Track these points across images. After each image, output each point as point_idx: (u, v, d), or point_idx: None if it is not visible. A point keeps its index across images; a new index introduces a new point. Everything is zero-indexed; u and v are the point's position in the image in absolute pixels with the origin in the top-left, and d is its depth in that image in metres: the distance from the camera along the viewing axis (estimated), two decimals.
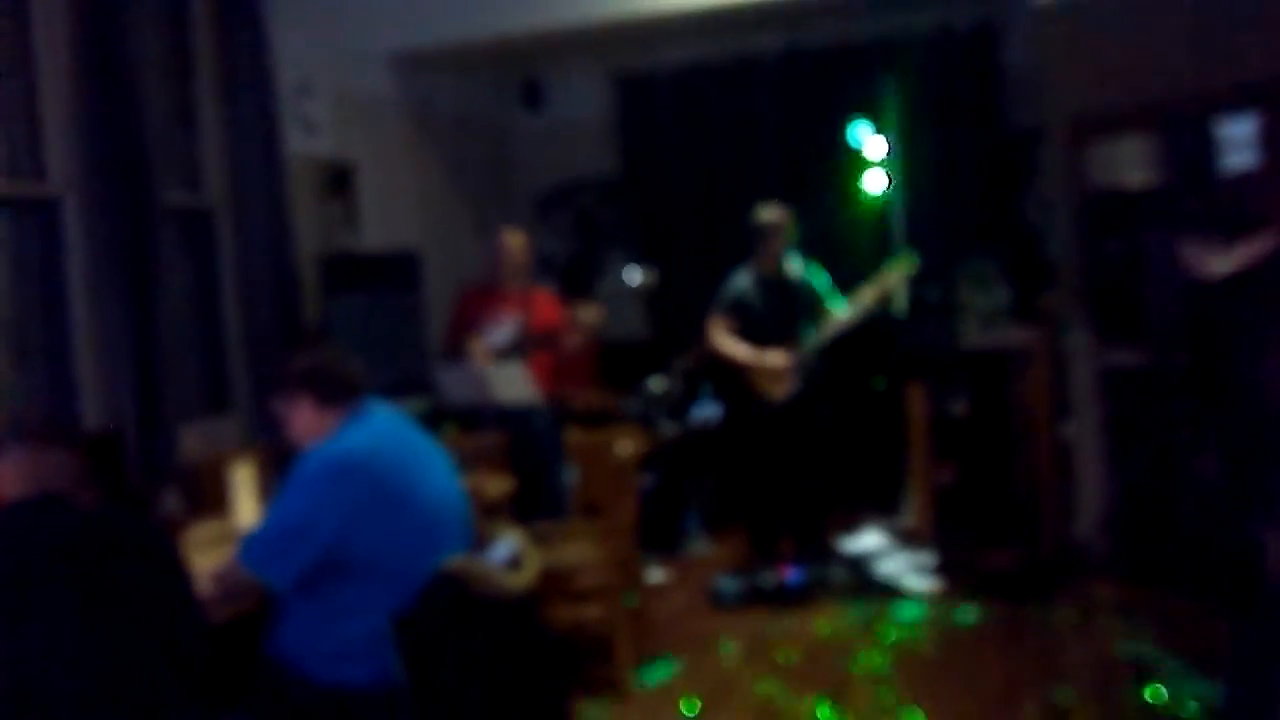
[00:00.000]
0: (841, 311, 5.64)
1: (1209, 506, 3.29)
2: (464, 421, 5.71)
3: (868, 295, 5.62)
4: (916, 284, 6.22)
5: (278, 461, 4.50)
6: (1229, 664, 3.41)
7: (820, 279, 5.80)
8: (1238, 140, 5.54)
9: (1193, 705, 3.88)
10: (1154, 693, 4.01)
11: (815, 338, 5.61)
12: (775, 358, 5.59)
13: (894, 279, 5.69)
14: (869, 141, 6.89)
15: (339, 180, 6.46)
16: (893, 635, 4.90)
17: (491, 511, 4.53)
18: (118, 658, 2.28)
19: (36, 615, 2.24)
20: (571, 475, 5.38)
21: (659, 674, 4.58)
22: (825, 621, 5.14)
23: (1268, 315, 2.88)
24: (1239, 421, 3.07)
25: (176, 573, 2.50)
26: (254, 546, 2.82)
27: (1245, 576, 2.89)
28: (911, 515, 6.46)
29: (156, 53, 5.22)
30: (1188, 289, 3.50)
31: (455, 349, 5.77)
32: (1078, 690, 4.15)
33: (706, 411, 6.96)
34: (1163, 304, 3.77)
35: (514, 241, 5.99)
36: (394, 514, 2.79)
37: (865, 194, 7.05)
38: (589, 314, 6.42)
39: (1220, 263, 3.42)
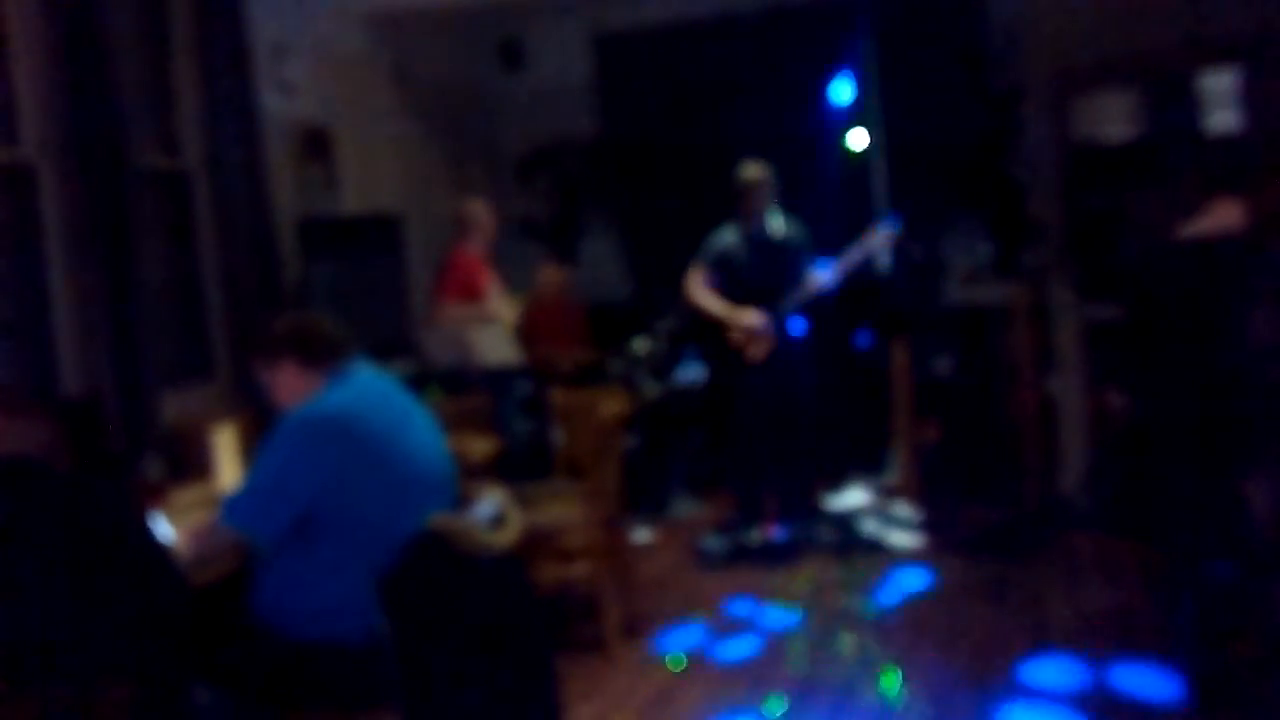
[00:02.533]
0: (823, 272, 5.65)
1: (1188, 459, 3.32)
2: (447, 384, 5.72)
3: (850, 259, 5.63)
4: (900, 241, 6.22)
5: (259, 425, 4.50)
6: (1188, 605, 3.47)
7: (803, 235, 5.79)
8: (1219, 95, 5.55)
9: None
10: None
11: (795, 297, 5.61)
12: (749, 316, 5.58)
13: (876, 243, 5.70)
14: (852, 99, 6.87)
15: (317, 143, 6.41)
16: (877, 591, 4.94)
17: (475, 472, 4.54)
18: (88, 620, 2.27)
19: (8, 581, 2.24)
20: (557, 436, 5.38)
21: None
22: (810, 579, 5.17)
23: (1247, 271, 2.89)
24: (1217, 374, 3.10)
25: (145, 536, 2.49)
26: (237, 504, 2.82)
27: (1225, 524, 2.92)
28: (896, 473, 6.49)
29: (130, 17, 5.16)
30: (1165, 248, 3.52)
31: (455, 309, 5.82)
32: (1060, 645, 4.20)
33: (690, 372, 6.96)
34: (1142, 260, 3.78)
35: (490, 213, 6.09)
36: (376, 472, 2.79)
37: (848, 151, 7.04)
38: (549, 276, 6.55)
39: (1194, 225, 3.43)
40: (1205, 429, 3.21)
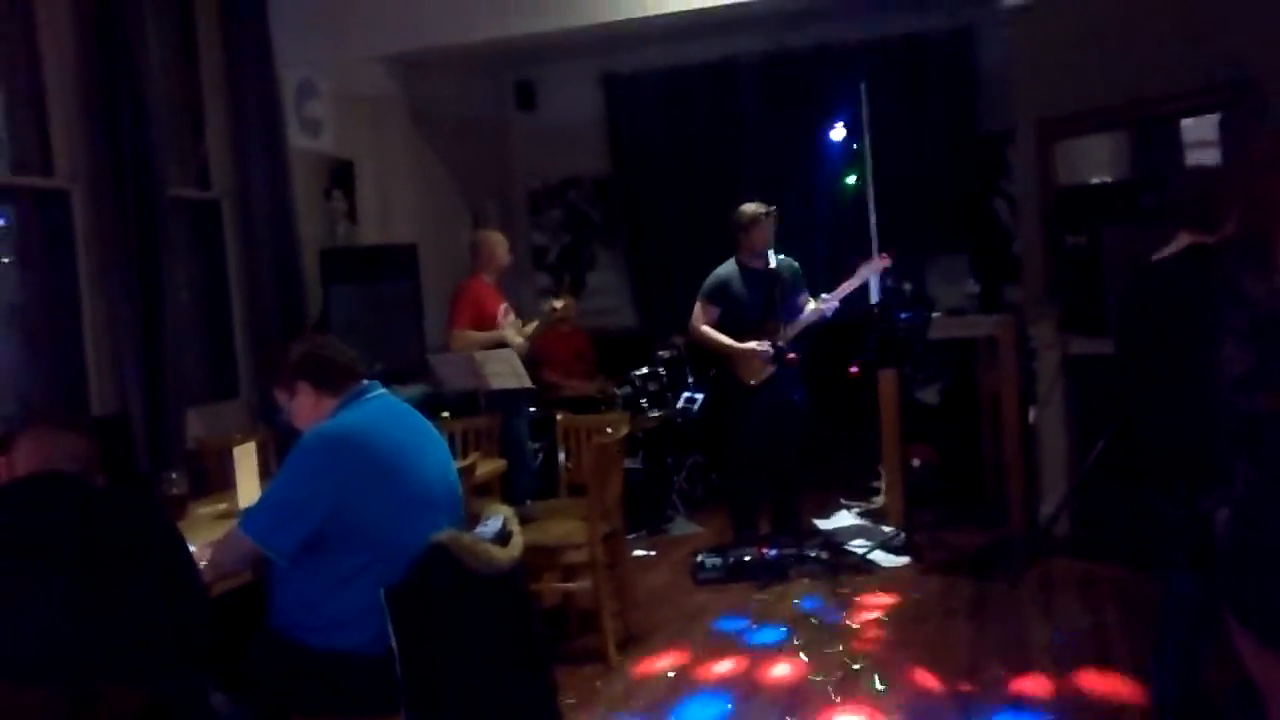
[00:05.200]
0: (818, 303, 5.69)
1: (1159, 479, 3.33)
2: (456, 409, 5.76)
3: (843, 289, 5.67)
4: (889, 276, 6.26)
5: (279, 444, 4.54)
6: (1165, 620, 3.47)
7: (797, 269, 5.84)
8: (1200, 140, 5.59)
9: None
10: None
11: (792, 326, 5.64)
12: (751, 346, 5.62)
13: (868, 274, 5.75)
14: (846, 141, 6.93)
15: (339, 176, 6.47)
16: (864, 610, 4.94)
17: (482, 491, 4.56)
18: (119, 628, 2.30)
19: (39, 587, 2.26)
20: (561, 457, 5.40)
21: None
22: (800, 596, 5.18)
23: (1218, 298, 2.91)
24: (1185, 400, 3.12)
25: (176, 547, 2.52)
26: (255, 518, 2.84)
27: (1192, 541, 2.94)
28: (883, 497, 6.50)
29: (162, 52, 5.23)
30: (1136, 273, 3.54)
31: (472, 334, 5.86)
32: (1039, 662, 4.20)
33: (688, 399, 6.99)
34: (1117, 290, 3.81)
35: (503, 243, 6.14)
36: (387, 489, 2.81)
37: (842, 191, 7.08)
38: (558, 305, 6.61)
39: (1165, 251, 3.46)
40: (1178, 454, 3.22)
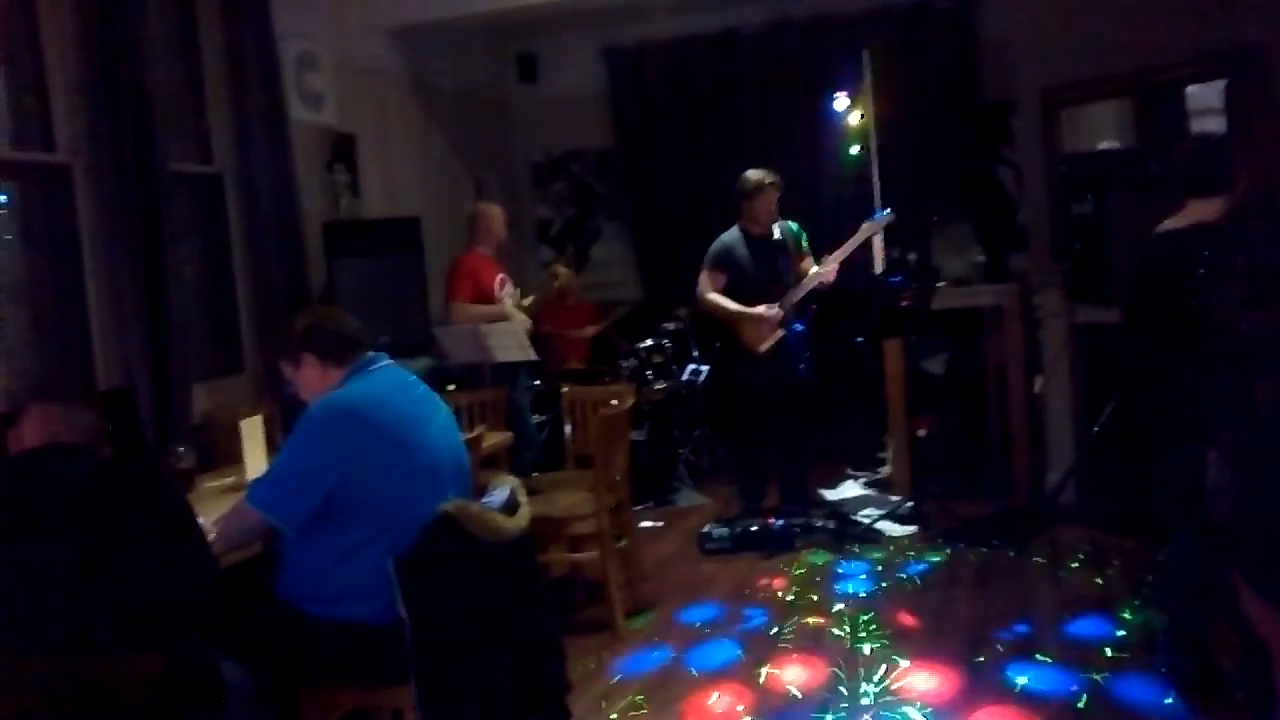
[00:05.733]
0: (821, 265, 5.66)
1: (1162, 439, 3.33)
2: (462, 381, 5.75)
3: (846, 249, 5.64)
4: (894, 245, 6.23)
5: (285, 417, 4.53)
6: (1170, 577, 3.47)
7: (801, 236, 5.82)
8: (1205, 106, 5.55)
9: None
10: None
11: (796, 290, 5.63)
12: (761, 310, 5.60)
13: (870, 232, 5.71)
14: (849, 111, 6.88)
15: (342, 149, 6.43)
16: (871, 578, 4.94)
17: (489, 464, 4.56)
18: (124, 599, 2.29)
19: (44, 558, 2.26)
20: (567, 429, 5.40)
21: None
22: (807, 565, 5.19)
23: (1223, 265, 2.89)
24: (1193, 364, 3.10)
25: (183, 517, 2.51)
26: (262, 488, 2.84)
27: (1189, 495, 2.93)
28: (890, 467, 6.50)
29: (162, 26, 5.19)
30: (1143, 243, 3.52)
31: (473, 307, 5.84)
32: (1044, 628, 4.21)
33: (694, 370, 6.98)
34: (1125, 258, 3.79)
35: (500, 214, 6.11)
36: (394, 459, 2.81)
37: (846, 160, 7.04)
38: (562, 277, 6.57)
39: (1174, 221, 3.44)
40: (1186, 415, 3.20)
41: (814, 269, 5.68)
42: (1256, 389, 2.29)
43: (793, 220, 5.80)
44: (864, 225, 5.68)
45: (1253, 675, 2.70)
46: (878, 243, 6.06)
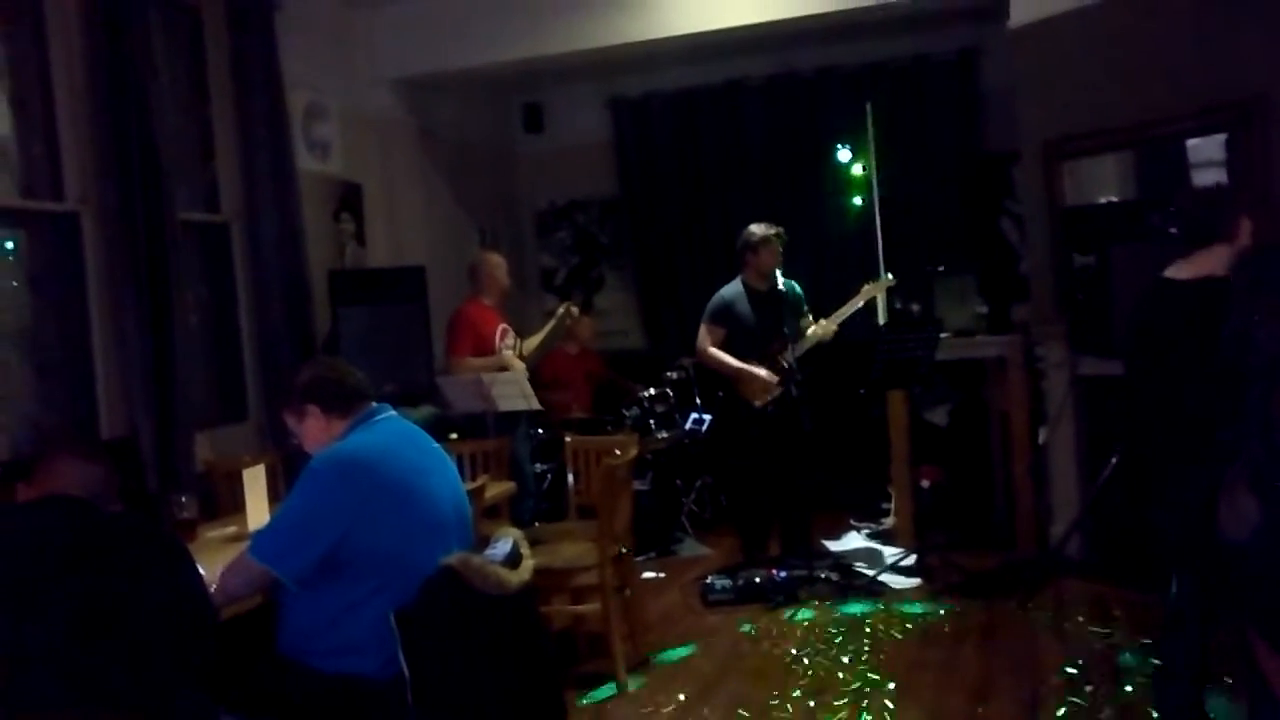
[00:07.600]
0: (822, 323, 5.69)
1: (1170, 474, 3.32)
2: (464, 431, 5.72)
3: (847, 310, 5.67)
4: (896, 297, 6.25)
5: (288, 467, 4.52)
6: (1168, 621, 3.44)
7: (800, 291, 5.84)
8: (1206, 159, 5.57)
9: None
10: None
11: (798, 347, 5.63)
12: (761, 370, 5.61)
13: (872, 294, 5.74)
14: (852, 162, 6.92)
15: (348, 199, 6.47)
16: (874, 632, 4.90)
17: (491, 514, 4.54)
18: (122, 652, 2.27)
19: (48, 610, 2.24)
20: (570, 479, 5.38)
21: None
22: (810, 618, 5.14)
23: (1225, 315, 2.90)
24: (1190, 423, 3.10)
25: (184, 570, 2.49)
26: (265, 541, 2.82)
27: (1193, 540, 2.91)
28: (893, 518, 6.47)
29: (171, 74, 5.25)
30: (1148, 292, 3.53)
31: (473, 360, 5.81)
32: (1049, 684, 4.16)
33: (696, 420, 6.97)
34: (1126, 309, 3.79)
35: (502, 264, 6.09)
36: (397, 512, 2.79)
37: (848, 212, 7.07)
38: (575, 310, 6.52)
39: (1179, 269, 3.44)
40: (1193, 447, 3.19)
41: (812, 328, 5.70)
42: (1274, 402, 2.26)
43: (795, 275, 5.82)
44: (865, 287, 5.73)
45: None
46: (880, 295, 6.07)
